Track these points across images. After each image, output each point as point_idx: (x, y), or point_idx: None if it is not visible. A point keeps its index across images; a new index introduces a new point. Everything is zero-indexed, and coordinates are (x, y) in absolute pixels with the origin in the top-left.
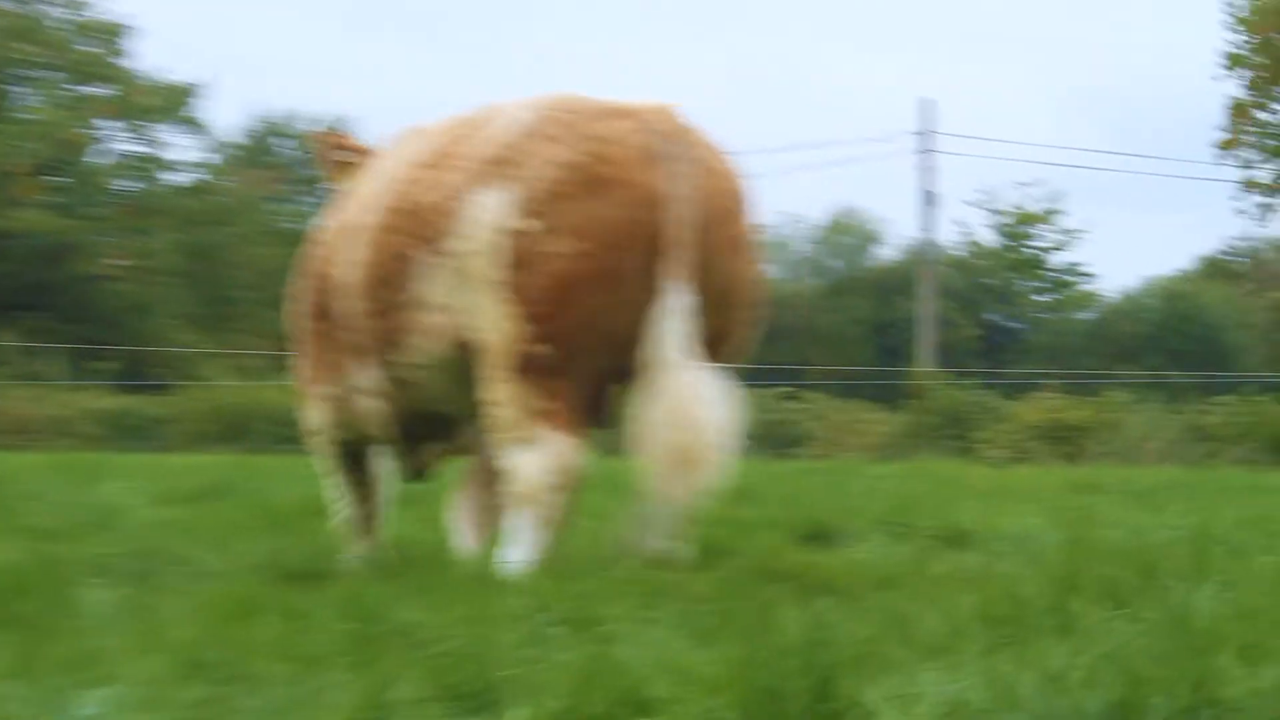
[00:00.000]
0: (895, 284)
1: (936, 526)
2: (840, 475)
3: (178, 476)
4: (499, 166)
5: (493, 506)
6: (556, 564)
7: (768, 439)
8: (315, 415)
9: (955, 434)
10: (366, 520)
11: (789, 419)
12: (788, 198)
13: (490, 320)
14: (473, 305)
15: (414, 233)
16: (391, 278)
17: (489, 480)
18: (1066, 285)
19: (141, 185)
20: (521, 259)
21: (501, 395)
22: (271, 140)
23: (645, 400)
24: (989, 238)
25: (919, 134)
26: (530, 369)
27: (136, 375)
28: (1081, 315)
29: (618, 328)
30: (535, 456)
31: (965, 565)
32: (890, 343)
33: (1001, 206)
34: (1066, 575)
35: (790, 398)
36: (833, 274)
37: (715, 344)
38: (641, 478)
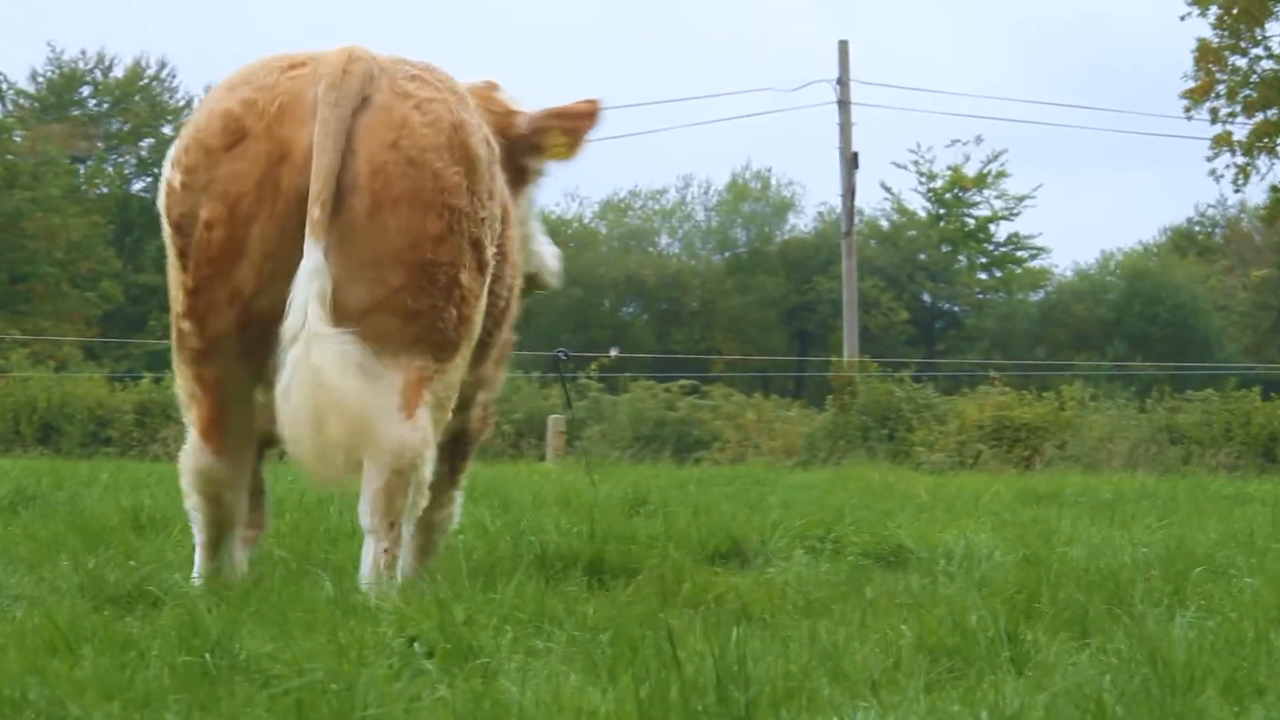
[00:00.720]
0: (811, 260)
1: (868, 543)
2: (754, 483)
3: None
4: (190, 118)
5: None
6: (428, 584)
7: (667, 440)
8: None
9: (887, 435)
10: None
11: (691, 417)
12: (684, 159)
13: (171, 287)
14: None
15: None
16: None
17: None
18: (1012, 261)
19: None
20: (178, 221)
21: (174, 374)
22: (76, 90)
23: (282, 384)
24: (921, 205)
25: (837, 83)
26: (182, 347)
27: None
28: (1031, 296)
29: (264, 308)
30: (183, 450)
31: (902, 588)
32: (808, 328)
33: (935, 168)
34: (1020, 600)
35: (692, 392)
36: (738, 248)
37: (389, 317)
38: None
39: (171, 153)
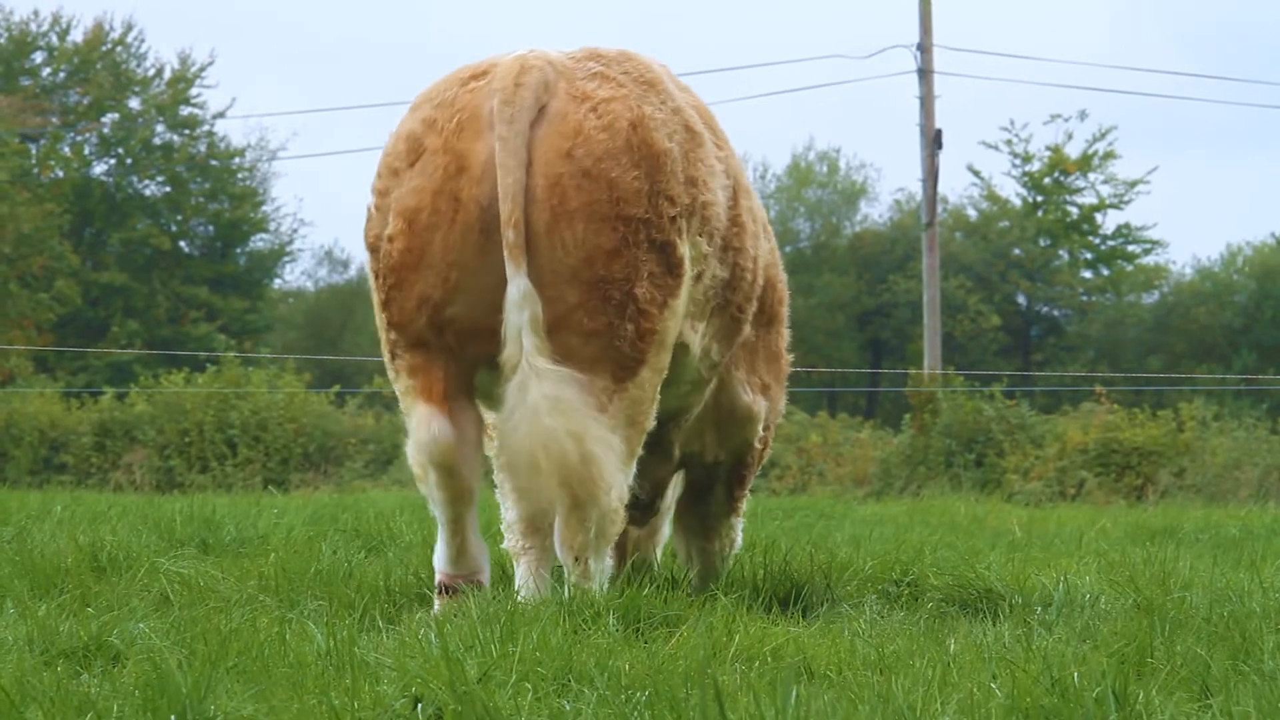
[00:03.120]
0: (886, 256)
1: (951, 586)
2: (818, 516)
3: None
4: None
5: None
6: (435, 631)
7: None
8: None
9: (974, 460)
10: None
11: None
12: (737, 137)
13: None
14: None
15: None
16: None
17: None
18: (1122, 256)
19: None
20: (373, 242)
21: (392, 383)
22: (27, 56)
23: (500, 414)
24: (1014, 192)
25: (917, 48)
26: (394, 356)
27: None
28: (1144, 298)
29: (457, 315)
30: (409, 441)
31: (992, 639)
32: (882, 336)
33: (1031, 149)
34: (1130, 654)
35: None
36: (800, 241)
37: (569, 336)
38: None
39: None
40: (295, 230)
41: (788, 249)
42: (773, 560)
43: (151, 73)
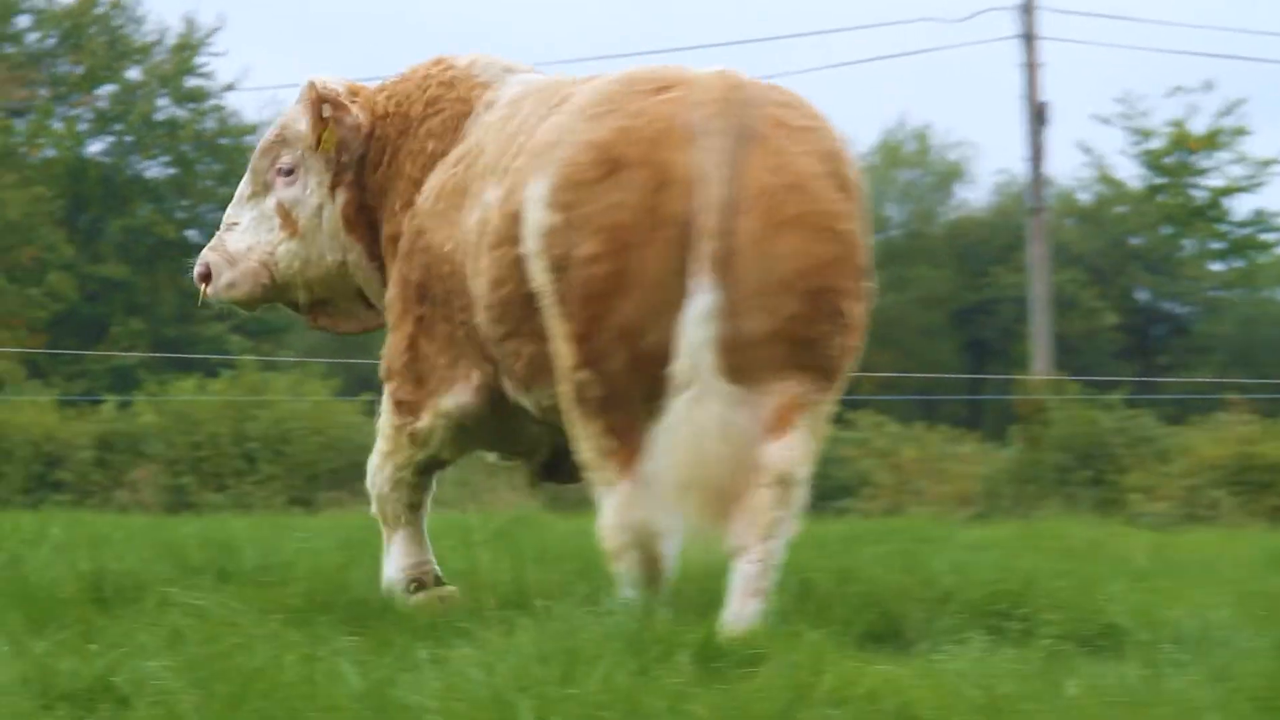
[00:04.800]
0: (988, 245)
1: (1068, 621)
2: (916, 541)
3: None
4: (540, 152)
5: None
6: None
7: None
8: (402, 416)
9: (1091, 478)
10: (416, 512)
11: (832, 454)
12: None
13: (557, 339)
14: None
15: (519, 239)
16: (525, 296)
17: None
18: (1256, 246)
19: None
20: (556, 260)
21: (577, 433)
22: (10, 21)
23: (664, 429)
24: (1132, 173)
25: (1020, 10)
26: (582, 401)
27: None
28: None
29: (655, 344)
30: (608, 509)
31: (1115, 680)
32: (984, 336)
33: (1150, 124)
34: (1273, 697)
35: (835, 421)
36: (890, 229)
37: (777, 346)
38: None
39: (538, 192)
40: None
41: (876, 237)
42: (865, 590)
43: (153, 39)
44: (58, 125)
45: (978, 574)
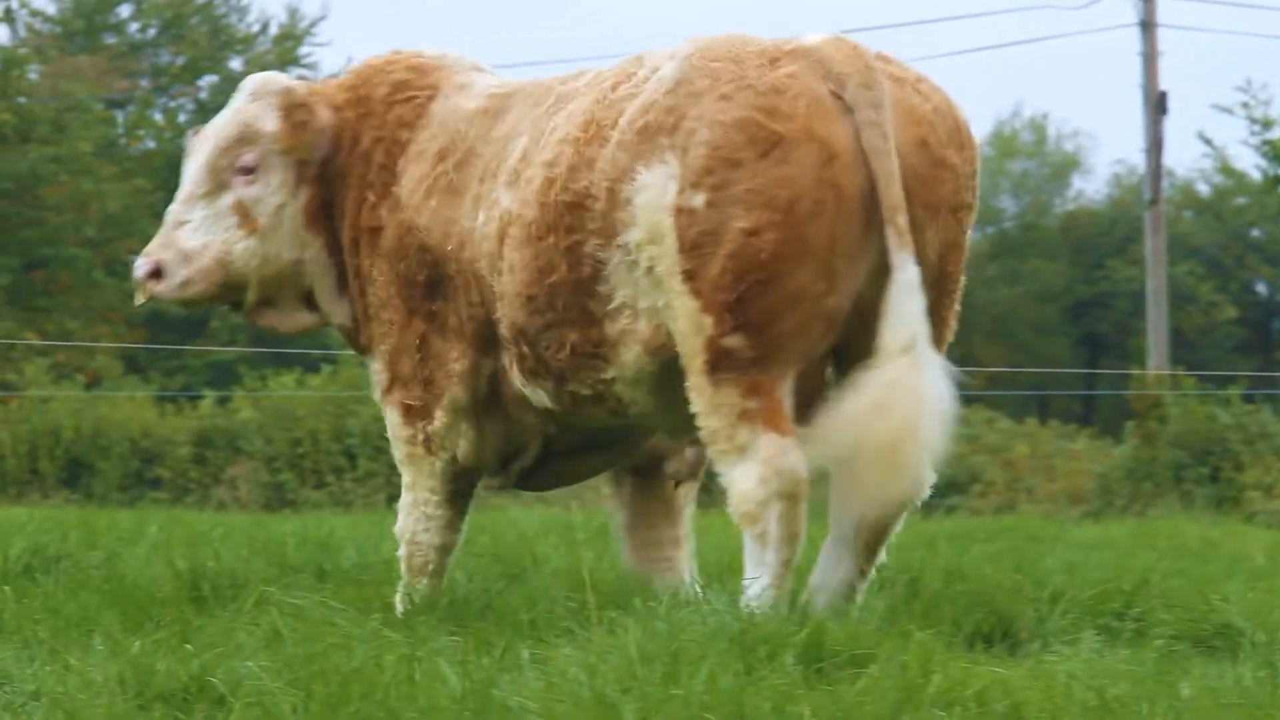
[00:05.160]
0: (1104, 238)
1: (1183, 621)
2: (1027, 539)
3: None
4: (652, 135)
5: (650, 537)
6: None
7: None
8: (415, 424)
9: (1208, 475)
10: (448, 553)
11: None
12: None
13: (678, 317)
14: (662, 303)
15: (592, 229)
16: (580, 284)
17: (652, 500)
18: None
19: None
20: (695, 240)
21: (703, 403)
22: (112, 11)
23: (859, 387)
24: (1254, 164)
25: None
26: (724, 367)
27: None
28: None
29: (822, 308)
30: (746, 467)
31: (1231, 682)
32: (1099, 330)
33: (1273, 113)
34: None
35: None
36: (1004, 221)
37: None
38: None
39: (660, 178)
40: None
41: (989, 229)
42: (975, 590)
43: (255, 29)
44: (158, 117)
45: (1090, 573)
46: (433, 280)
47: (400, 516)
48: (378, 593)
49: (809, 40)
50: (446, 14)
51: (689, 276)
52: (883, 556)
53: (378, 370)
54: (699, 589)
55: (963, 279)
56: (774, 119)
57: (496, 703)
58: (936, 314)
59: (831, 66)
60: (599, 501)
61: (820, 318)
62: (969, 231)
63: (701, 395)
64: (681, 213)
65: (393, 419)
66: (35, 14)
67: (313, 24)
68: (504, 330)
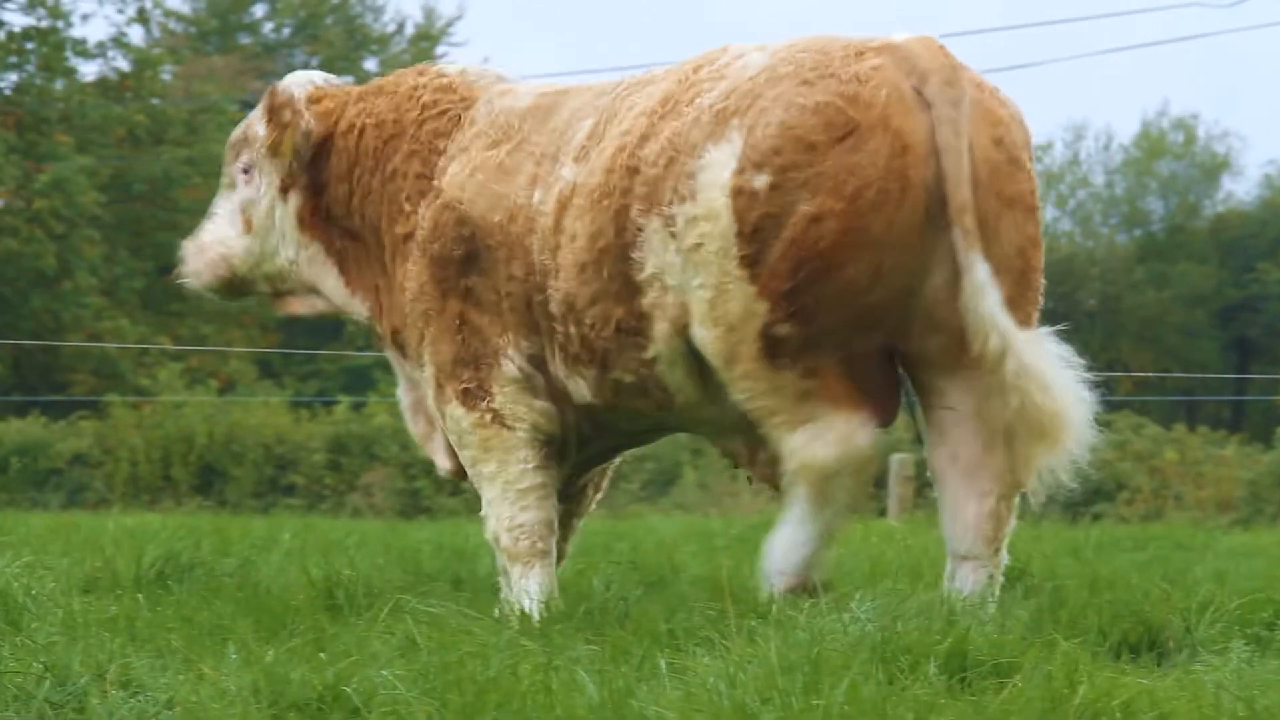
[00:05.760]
0: (1255, 240)
1: None
2: (1175, 547)
3: (109, 548)
4: (728, 115)
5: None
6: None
7: (1055, 488)
8: (478, 407)
9: None
10: (552, 533)
11: (1089, 457)
12: (1075, 102)
13: (730, 299)
14: (698, 281)
15: (639, 194)
16: (625, 251)
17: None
18: None
19: (34, 80)
20: (756, 223)
21: (760, 386)
22: (246, 10)
23: (987, 383)
24: None
25: None
26: (779, 353)
27: (33, 387)
28: None
29: (865, 302)
30: (810, 435)
31: None
32: (1249, 334)
33: None
34: None
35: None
36: (1152, 224)
37: None
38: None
39: (723, 156)
40: None
41: (1136, 232)
42: (1121, 599)
43: (391, 29)
44: None
45: (1239, 582)
46: (470, 254)
47: (489, 518)
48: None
49: (897, 38)
50: (580, 11)
51: (748, 262)
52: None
53: (427, 374)
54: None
55: (1042, 278)
56: (853, 106)
57: (634, 712)
58: (1020, 310)
59: (916, 62)
60: (738, 508)
61: (863, 313)
62: (1041, 228)
63: (757, 380)
64: (741, 194)
65: (455, 413)
66: (169, 14)
67: (449, 24)
68: (554, 307)
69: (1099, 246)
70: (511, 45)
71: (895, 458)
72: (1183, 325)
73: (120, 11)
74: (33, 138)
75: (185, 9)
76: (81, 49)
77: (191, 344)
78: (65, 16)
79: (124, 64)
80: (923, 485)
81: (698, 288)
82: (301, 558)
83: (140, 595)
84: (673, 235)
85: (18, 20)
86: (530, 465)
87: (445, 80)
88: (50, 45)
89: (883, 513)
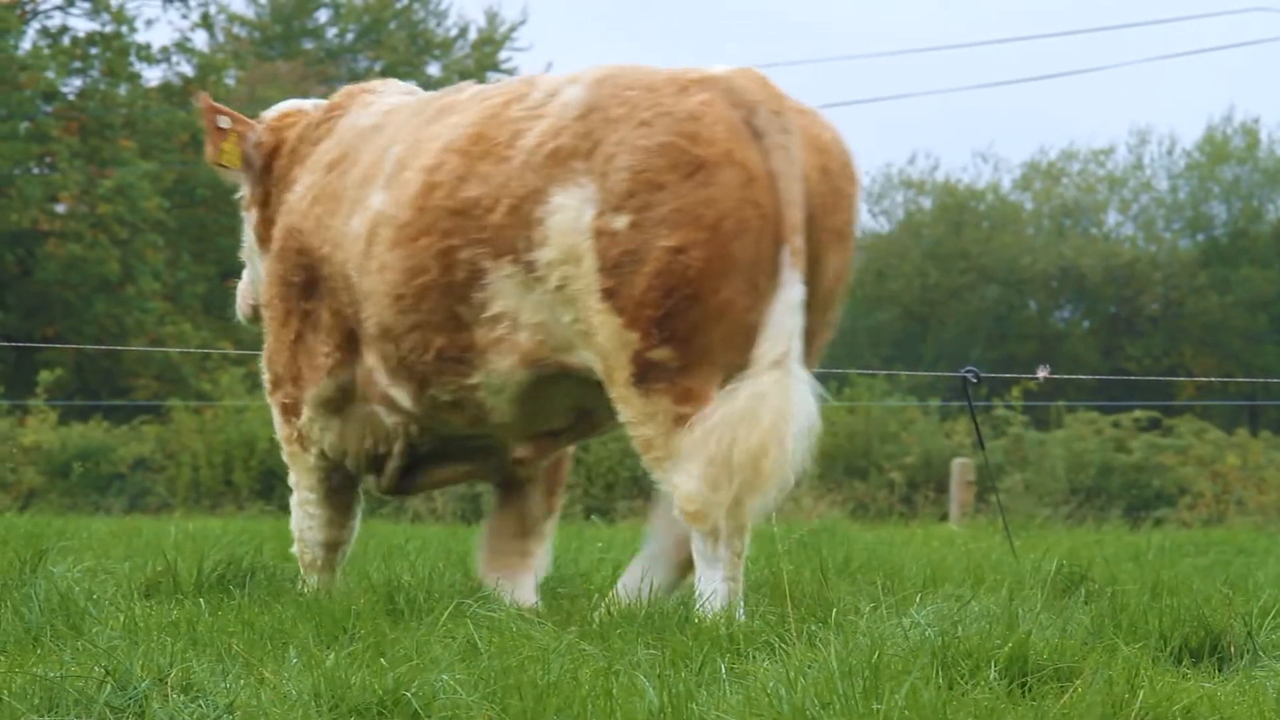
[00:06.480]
0: None
1: None
2: (1237, 552)
3: (171, 552)
4: (565, 159)
5: (498, 546)
6: (785, 687)
7: (1115, 494)
8: (290, 422)
9: None
10: (335, 549)
11: (1149, 462)
12: (1138, 106)
13: (597, 332)
14: (568, 319)
15: (475, 238)
16: (454, 290)
17: (509, 513)
18: None
19: (98, 85)
20: (617, 260)
21: (634, 413)
22: (310, 15)
23: (730, 396)
24: None
25: None
26: (653, 378)
27: (96, 392)
28: None
29: (746, 321)
30: (688, 470)
31: None
32: None
33: None
34: None
35: (1151, 428)
36: (1215, 229)
37: (807, 342)
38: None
39: (575, 201)
40: None
41: (1199, 236)
42: (1183, 604)
43: (454, 33)
44: None
45: None
46: (309, 281)
47: (292, 514)
48: (575, 605)
49: (717, 70)
50: (645, 15)
51: (609, 294)
52: (745, 550)
53: (264, 372)
54: (538, 606)
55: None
56: (696, 143)
57: (694, 716)
58: (818, 335)
59: (743, 95)
60: (799, 513)
61: (744, 330)
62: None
63: (631, 405)
64: (602, 234)
65: (276, 418)
66: (233, 19)
67: (512, 29)
68: (371, 329)
69: (1162, 251)
70: (581, 47)
71: (957, 462)
72: (1245, 330)
73: (184, 16)
74: (96, 143)
75: (249, 14)
76: (145, 54)
77: (254, 349)
78: (129, 22)
79: (188, 69)
80: (984, 490)
81: (572, 323)
82: (362, 562)
83: (201, 599)
84: (537, 280)
85: (82, 25)
86: (315, 495)
87: (354, 87)
88: (114, 50)
89: (944, 517)
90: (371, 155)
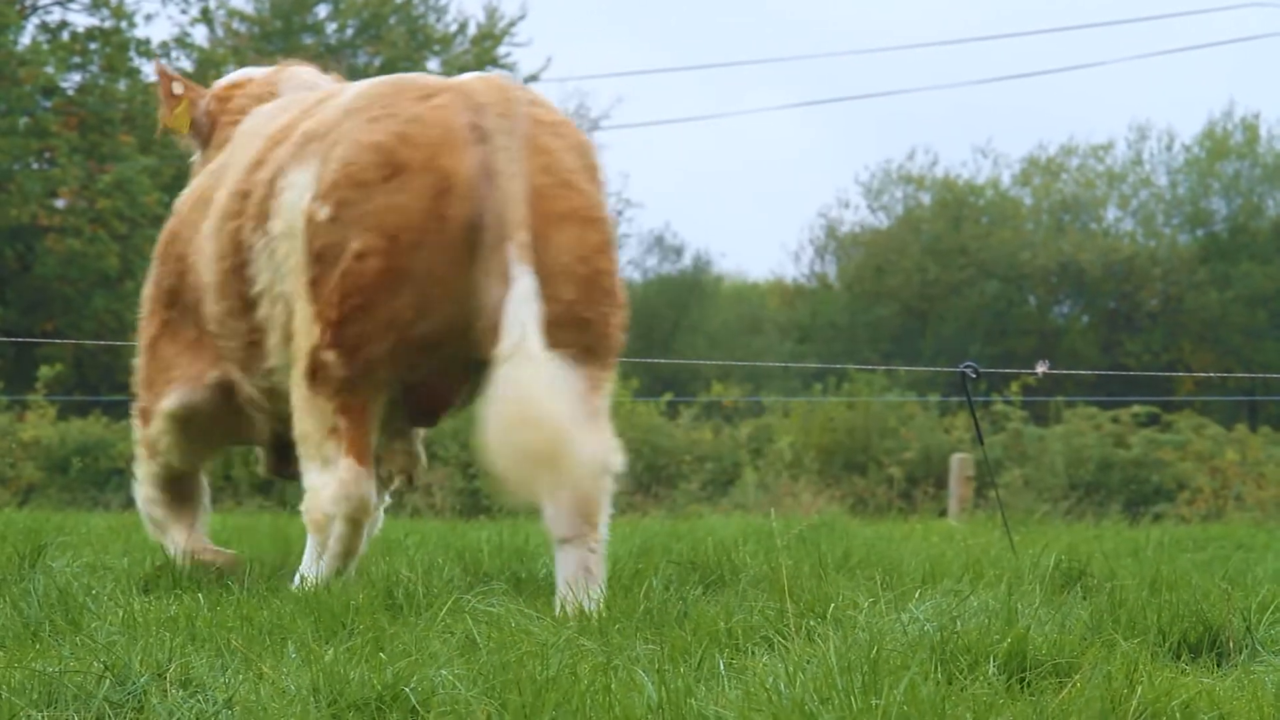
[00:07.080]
0: None
1: None
2: (1236, 548)
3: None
4: (308, 140)
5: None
6: (784, 683)
7: (1115, 489)
8: (152, 429)
9: None
10: (194, 543)
11: (1148, 457)
12: (1137, 102)
13: (296, 314)
14: (292, 292)
15: (250, 214)
16: (239, 268)
17: None
18: None
19: (97, 80)
20: (320, 251)
21: (301, 402)
22: (309, 11)
23: (491, 398)
24: None
25: None
26: (320, 379)
27: (95, 387)
28: None
29: (412, 336)
30: (325, 479)
31: None
32: None
33: None
34: None
35: (1150, 423)
36: (1214, 224)
37: (563, 330)
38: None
39: (304, 180)
40: (620, 212)
41: (1199, 232)
42: (1181, 599)
43: (454, 29)
44: None
45: None
46: (175, 289)
47: (136, 493)
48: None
49: (465, 78)
50: (644, 11)
51: (312, 283)
52: (603, 532)
53: (137, 377)
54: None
55: (619, 279)
56: (404, 145)
57: (693, 712)
58: (593, 309)
59: (475, 98)
60: (798, 509)
61: (411, 345)
62: (610, 238)
63: (300, 394)
64: (311, 221)
65: (133, 423)
66: (233, 14)
67: (511, 24)
68: (210, 326)
69: (1161, 247)
70: (580, 42)
71: (956, 457)
72: (1245, 326)
73: (183, 12)
74: (95, 138)
75: (249, 9)
76: (145, 49)
77: None
78: (128, 17)
79: (187, 64)
80: (983, 485)
81: (290, 296)
82: (362, 558)
83: (200, 595)
84: (273, 251)
85: (81, 21)
86: (159, 503)
87: (261, 87)
88: (113, 46)
89: (943, 513)
90: (240, 156)
